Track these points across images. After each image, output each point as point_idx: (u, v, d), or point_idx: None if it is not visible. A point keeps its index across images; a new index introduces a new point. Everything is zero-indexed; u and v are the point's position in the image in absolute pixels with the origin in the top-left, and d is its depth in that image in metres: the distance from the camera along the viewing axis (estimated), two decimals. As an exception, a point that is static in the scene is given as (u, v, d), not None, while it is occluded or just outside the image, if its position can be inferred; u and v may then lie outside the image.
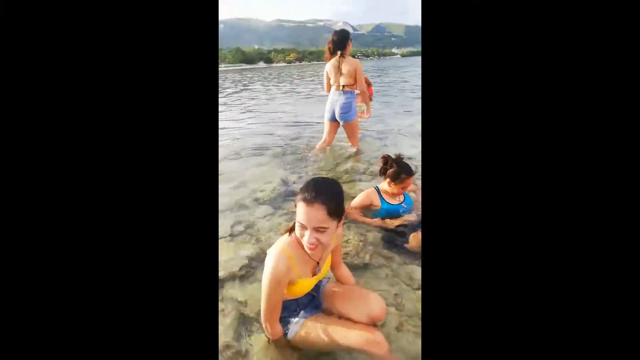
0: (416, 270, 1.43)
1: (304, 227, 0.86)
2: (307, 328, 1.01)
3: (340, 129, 3.16)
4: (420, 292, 1.31)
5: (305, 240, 0.87)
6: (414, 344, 1.07)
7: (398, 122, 4.55)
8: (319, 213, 0.83)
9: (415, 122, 4.46)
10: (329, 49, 2.92)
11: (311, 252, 0.89)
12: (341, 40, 2.88)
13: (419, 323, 1.14)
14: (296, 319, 1.04)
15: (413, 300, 1.27)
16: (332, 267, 1.18)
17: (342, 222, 0.95)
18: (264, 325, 1.01)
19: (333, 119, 3.09)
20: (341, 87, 2.95)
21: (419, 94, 6.78)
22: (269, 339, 1.05)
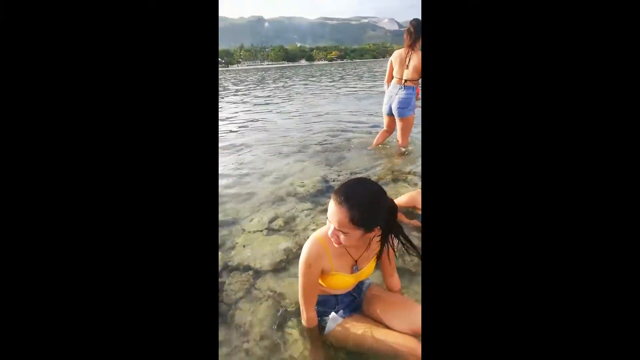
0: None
1: (329, 221, 0.87)
2: (344, 326, 0.99)
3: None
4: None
5: (329, 232, 0.88)
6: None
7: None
8: (342, 216, 0.82)
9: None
10: (409, 38, 2.64)
11: (337, 245, 0.89)
12: (417, 31, 2.60)
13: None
14: (335, 315, 1.03)
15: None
16: (383, 273, 1.15)
17: (377, 232, 0.90)
18: (301, 309, 1.02)
19: (390, 113, 2.92)
20: (403, 81, 2.75)
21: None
22: (303, 330, 1.05)
